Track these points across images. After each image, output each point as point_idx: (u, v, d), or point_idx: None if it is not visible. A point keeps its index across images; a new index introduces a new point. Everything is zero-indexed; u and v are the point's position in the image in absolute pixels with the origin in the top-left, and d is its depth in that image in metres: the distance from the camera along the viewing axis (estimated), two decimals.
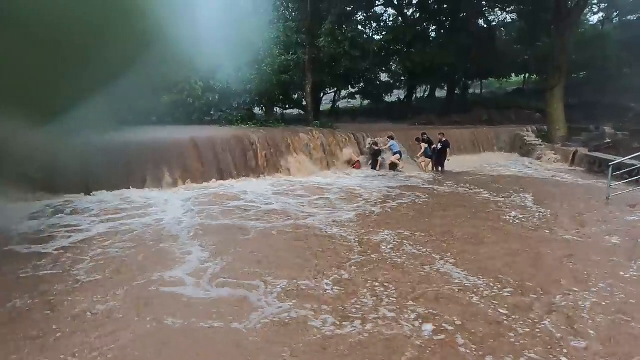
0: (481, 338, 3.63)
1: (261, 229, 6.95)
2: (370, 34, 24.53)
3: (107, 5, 4.69)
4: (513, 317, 4.01)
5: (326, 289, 4.63)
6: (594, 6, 27.26)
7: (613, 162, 9.52)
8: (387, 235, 6.55)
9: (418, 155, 14.34)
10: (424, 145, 14.09)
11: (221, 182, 10.87)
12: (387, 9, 25.76)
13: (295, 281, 4.81)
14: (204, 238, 6.35)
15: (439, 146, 13.74)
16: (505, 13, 26.85)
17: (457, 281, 4.82)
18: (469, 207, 8.58)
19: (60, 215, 7.56)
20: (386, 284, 4.74)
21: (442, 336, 3.67)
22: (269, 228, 6.98)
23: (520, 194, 9.82)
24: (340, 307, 4.22)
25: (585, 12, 23.20)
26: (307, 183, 11.21)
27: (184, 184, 10.40)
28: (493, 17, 27.44)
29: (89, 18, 4.57)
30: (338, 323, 3.91)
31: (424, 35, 24.52)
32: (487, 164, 15.60)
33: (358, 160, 13.99)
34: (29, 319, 3.99)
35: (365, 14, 24.67)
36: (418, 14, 25.17)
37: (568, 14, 17.23)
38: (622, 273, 5.08)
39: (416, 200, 9.26)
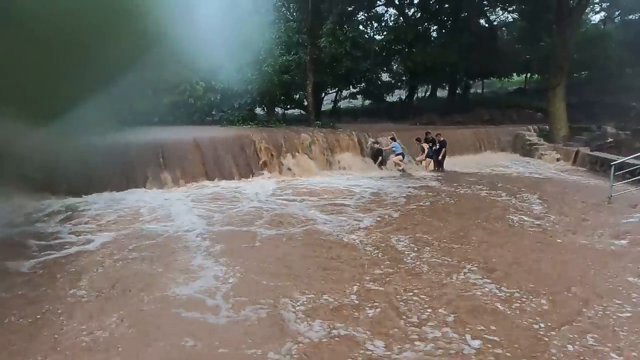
0: None
1: (272, 235, 6.71)
2: (372, 34, 24.48)
3: (108, 6, 4.69)
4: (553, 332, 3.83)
5: (358, 305, 4.31)
6: (596, 5, 27.17)
7: (615, 162, 9.49)
8: (405, 241, 6.36)
9: (421, 154, 14.32)
10: (426, 146, 14.09)
11: (223, 182, 10.90)
12: (388, 8, 25.72)
13: (321, 296, 4.47)
14: (213, 247, 6.06)
15: (437, 146, 13.83)
16: (506, 12, 26.77)
17: (489, 292, 4.63)
18: (478, 209, 8.48)
19: (59, 217, 7.53)
20: (419, 298, 4.48)
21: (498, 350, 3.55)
22: (279, 235, 6.73)
23: (526, 195, 9.74)
24: (378, 325, 3.92)
25: (586, 11, 23.12)
26: (310, 184, 11.15)
27: (186, 185, 10.41)
28: (494, 16, 27.37)
29: (89, 19, 4.57)
30: (386, 346, 3.59)
31: (425, 35, 24.48)
32: (489, 163, 15.54)
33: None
34: (5, 350, 3.53)
35: (366, 14, 24.63)
36: (419, 14, 25.10)
37: (569, 13, 17.17)
38: None
39: (426, 202, 9.13)
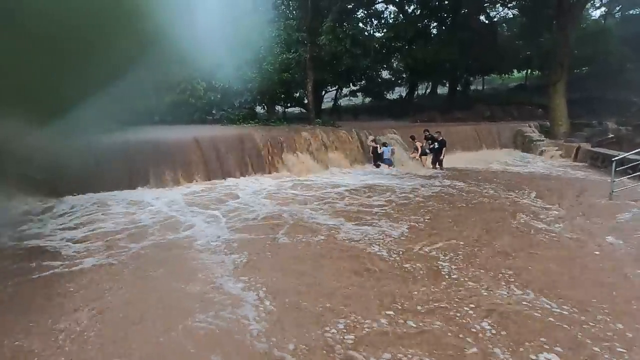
0: None
1: (287, 243, 6.26)
2: (371, 31, 24.50)
3: (108, 6, 4.70)
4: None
5: (409, 329, 3.81)
6: (596, 1, 27.14)
7: (616, 158, 9.48)
8: (428, 250, 5.88)
9: (414, 152, 14.30)
10: (420, 144, 14.07)
11: (224, 181, 10.92)
12: (388, 5, 25.73)
13: (363, 322, 3.92)
14: (228, 258, 5.56)
15: (436, 145, 13.82)
16: (506, 9, 26.71)
17: (541, 308, 4.21)
18: (488, 210, 8.22)
19: (59, 218, 7.53)
20: (478, 322, 3.97)
21: None
22: (295, 243, 6.24)
23: (531, 193, 9.62)
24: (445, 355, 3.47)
25: (587, 6, 23.06)
26: (314, 182, 11.12)
27: (187, 183, 10.44)
28: (494, 13, 27.33)
29: (89, 18, 4.58)
30: None
31: (425, 32, 24.45)
32: (490, 160, 15.52)
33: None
34: None
35: (366, 11, 24.61)
36: (419, 11, 25.08)
37: (569, 8, 17.14)
38: None
39: (434, 203, 8.76)
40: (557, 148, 16.49)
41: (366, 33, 22.88)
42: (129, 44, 5.24)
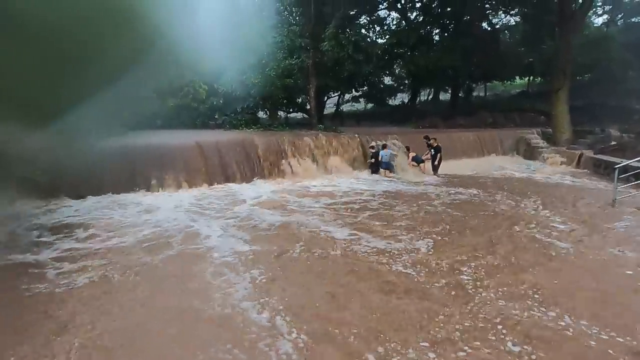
0: None
1: (304, 257, 5.91)
2: (374, 37, 24.66)
3: (111, 9, 4.72)
4: None
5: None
6: (598, 8, 27.21)
7: (619, 165, 9.44)
8: (447, 264, 5.60)
9: (409, 160, 14.23)
10: (412, 154, 14.01)
11: (227, 186, 10.90)
12: (391, 12, 25.85)
13: (404, 352, 3.59)
14: (245, 276, 5.18)
15: (432, 151, 13.81)
16: (508, 16, 26.84)
17: (577, 330, 3.95)
18: (497, 220, 7.97)
19: (59, 223, 7.47)
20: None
21: None
22: (311, 257, 5.90)
23: (536, 202, 9.52)
24: None
25: (589, 14, 23.12)
26: (318, 189, 11.05)
27: (189, 188, 10.43)
28: (497, 20, 27.45)
29: (91, 21, 4.59)
30: None
31: (428, 38, 24.53)
32: (493, 167, 15.49)
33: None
34: None
35: (368, 18, 24.73)
36: (421, 18, 25.20)
37: (572, 16, 17.18)
38: None
39: (442, 214, 8.50)
40: (559, 155, 16.46)
41: (369, 39, 23.00)
42: (131, 47, 5.25)
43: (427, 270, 5.42)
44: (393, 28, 25.35)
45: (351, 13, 22.49)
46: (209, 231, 7.06)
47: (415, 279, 5.12)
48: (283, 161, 12.55)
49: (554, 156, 16.51)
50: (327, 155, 13.67)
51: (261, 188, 10.90)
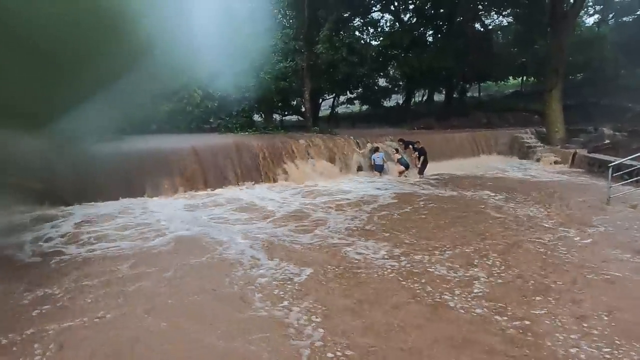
0: None
1: (330, 274, 5.41)
2: (368, 39, 24.63)
3: (105, 15, 4.71)
4: None
5: None
6: (590, 8, 27.44)
7: (613, 163, 9.52)
8: (467, 275, 5.29)
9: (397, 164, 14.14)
10: (398, 156, 13.96)
11: (223, 190, 10.89)
12: (384, 14, 25.94)
13: None
14: (282, 296, 4.75)
15: (417, 153, 13.85)
16: (501, 16, 27.01)
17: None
18: (504, 223, 7.81)
19: (57, 231, 7.38)
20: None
21: None
22: (336, 272, 5.46)
23: (530, 200, 9.61)
24: None
25: (580, 14, 23.30)
26: (317, 191, 11.06)
27: (185, 193, 10.40)
28: (489, 20, 27.59)
29: (86, 27, 4.59)
30: None
31: (421, 40, 24.61)
32: (487, 167, 15.54)
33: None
34: None
35: (362, 20, 24.78)
36: (415, 19, 25.28)
37: (564, 16, 17.31)
38: None
39: (443, 215, 8.43)
40: (553, 154, 16.56)
41: (362, 41, 23.00)
42: (126, 52, 5.25)
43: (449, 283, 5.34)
44: (387, 30, 25.41)
45: (345, 15, 22.54)
46: (229, 241, 6.75)
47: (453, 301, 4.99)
48: (279, 164, 12.53)
49: (548, 155, 16.60)
50: (322, 157, 13.65)
51: (259, 192, 10.89)
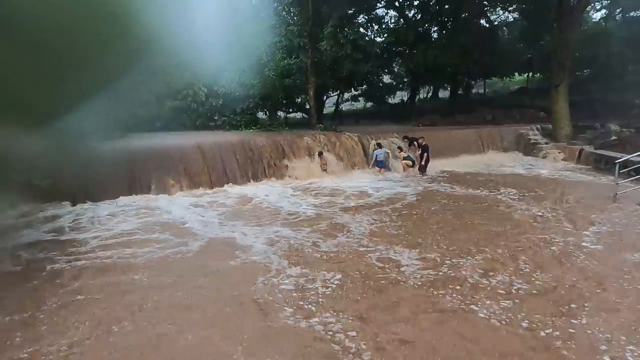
0: None
1: (355, 285, 5.04)
2: (372, 36, 24.56)
3: (109, 11, 4.72)
4: None
5: None
6: (597, 3, 27.15)
7: (619, 160, 9.44)
8: (492, 283, 5.01)
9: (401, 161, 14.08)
10: (403, 154, 13.90)
11: (229, 187, 10.93)
12: (389, 10, 25.80)
13: None
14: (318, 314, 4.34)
15: (420, 150, 13.65)
16: (507, 12, 26.77)
17: None
18: (514, 221, 7.68)
19: (63, 228, 7.45)
20: None
21: None
22: (362, 284, 5.05)
23: (538, 197, 9.53)
24: None
25: (587, 9, 23.06)
26: (325, 188, 11.02)
27: (191, 190, 10.46)
28: (495, 16, 27.39)
29: (89, 23, 4.60)
30: None
31: (426, 36, 24.50)
32: (494, 164, 15.45)
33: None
34: None
35: (366, 17, 24.70)
36: (419, 15, 25.16)
37: (570, 11, 17.14)
38: None
39: (451, 214, 8.29)
40: (560, 151, 16.43)
41: (367, 38, 22.94)
42: (130, 50, 5.25)
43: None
44: (391, 26, 25.29)
45: (349, 12, 22.48)
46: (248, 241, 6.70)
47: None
48: (284, 161, 12.57)
49: (554, 152, 16.48)
50: (327, 154, 13.63)
51: (265, 190, 10.90)
